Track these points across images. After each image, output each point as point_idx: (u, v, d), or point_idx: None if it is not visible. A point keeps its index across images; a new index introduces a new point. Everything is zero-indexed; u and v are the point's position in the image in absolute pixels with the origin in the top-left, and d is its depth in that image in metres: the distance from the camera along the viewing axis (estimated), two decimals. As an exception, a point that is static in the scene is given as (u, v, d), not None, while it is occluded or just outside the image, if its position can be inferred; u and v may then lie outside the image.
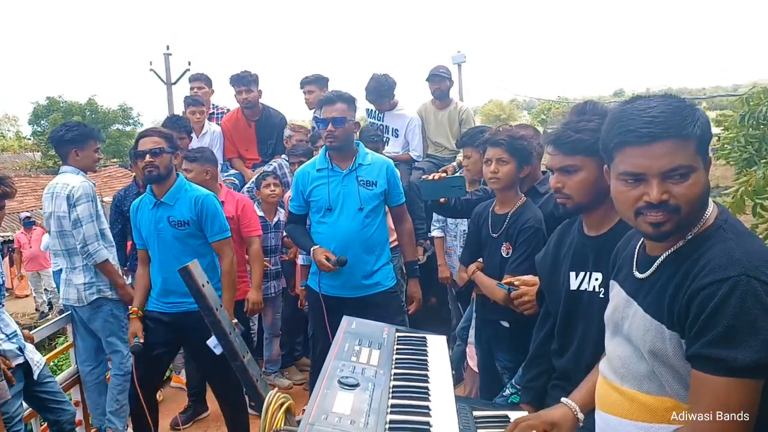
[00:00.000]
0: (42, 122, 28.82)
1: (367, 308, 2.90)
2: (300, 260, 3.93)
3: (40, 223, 12.97)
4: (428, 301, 4.09)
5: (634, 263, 1.38)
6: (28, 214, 11.30)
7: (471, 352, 3.14)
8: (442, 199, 2.84)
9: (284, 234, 4.08)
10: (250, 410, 3.23)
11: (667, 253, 1.28)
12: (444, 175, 2.78)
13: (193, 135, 4.48)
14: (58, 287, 11.15)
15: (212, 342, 2.86)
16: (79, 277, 3.31)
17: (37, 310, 11.13)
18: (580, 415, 1.61)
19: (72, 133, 3.36)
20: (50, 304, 10.97)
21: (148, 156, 2.88)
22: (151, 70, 17.82)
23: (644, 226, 1.26)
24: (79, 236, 3.22)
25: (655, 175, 1.21)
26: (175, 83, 17.98)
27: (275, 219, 4.01)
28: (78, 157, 3.37)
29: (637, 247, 1.40)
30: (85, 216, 3.23)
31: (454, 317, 4.14)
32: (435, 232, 4.03)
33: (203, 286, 1.47)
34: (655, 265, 1.30)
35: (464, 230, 3.77)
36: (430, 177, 2.78)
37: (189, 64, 17.95)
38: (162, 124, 4.15)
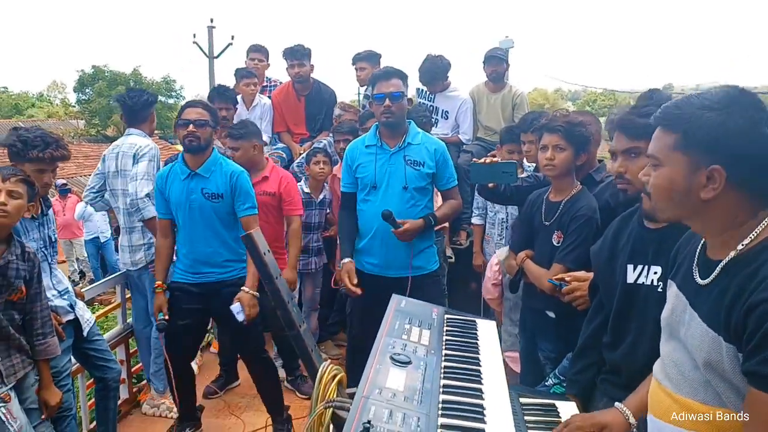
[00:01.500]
0: (87, 90, 29.37)
1: (410, 290, 2.87)
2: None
3: (76, 191, 13.20)
4: (468, 286, 4.07)
5: (695, 265, 1.32)
6: (63, 182, 11.24)
7: (512, 355, 3.10)
8: (490, 184, 2.79)
9: (327, 211, 4.09)
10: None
11: (726, 260, 1.22)
12: (496, 159, 2.73)
13: (242, 107, 4.52)
14: (89, 256, 11.26)
15: (236, 308, 2.90)
16: (139, 238, 3.42)
17: (69, 278, 11.37)
18: (633, 420, 1.58)
19: (153, 97, 3.50)
20: (82, 273, 11.07)
21: (191, 126, 2.91)
22: (194, 42, 17.97)
23: None
24: (132, 189, 3.27)
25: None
26: (217, 57, 18.11)
27: (321, 196, 4.02)
28: (153, 122, 3.51)
29: (698, 248, 1.34)
30: (142, 172, 3.29)
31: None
32: (475, 220, 4.01)
33: (264, 254, 1.47)
34: (716, 271, 1.24)
35: (502, 218, 3.72)
36: (481, 160, 2.73)
37: (232, 38, 18.12)
38: (208, 95, 4.18)
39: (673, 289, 1.39)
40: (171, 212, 3.07)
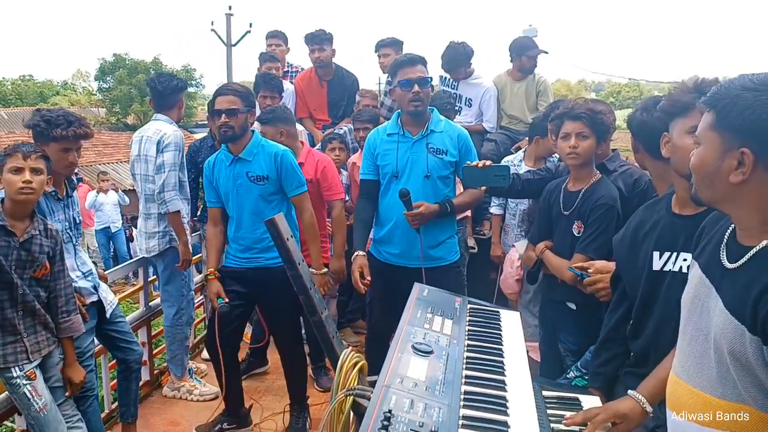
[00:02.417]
0: (108, 78, 29.37)
1: (428, 282, 2.83)
2: None
3: (88, 180, 13.32)
4: (488, 276, 4.03)
5: (723, 248, 1.26)
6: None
7: (531, 344, 3.07)
8: (483, 188, 2.74)
9: (346, 198, 4.07)
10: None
11: (758, 247, 1.16)
12: (490, 163, 2.66)
13: None
14: (99, 246, 11.21)
15: None
16: (154, 226, 3.40)
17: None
18: (649, 408, 1.57)
19: (183, 83, 3.49)
20: (94, 263, 11.14)
21: (223, 116, 2.87)
22: (212, 30, 17.94)
23: None
24: (159, 181, 3.28)
25: None
26: (235, 45, 18.08)
27: None
28: (182, 108, 3.51)
29: (728, 231, 1.28)
30: (169, 163, 3.28)
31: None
32: (494, 209, 3.90)
33: (288, 239, 1.46)
34: (746, 257, 1.18)
35: (524, 210, 3.67)
36: (474, 163, 2.65)
37: (250, 25, 18.10)
38: (254, 83, 4.14)
39: (696, 271, 1.33)
40: (220, 200, 3.06)
